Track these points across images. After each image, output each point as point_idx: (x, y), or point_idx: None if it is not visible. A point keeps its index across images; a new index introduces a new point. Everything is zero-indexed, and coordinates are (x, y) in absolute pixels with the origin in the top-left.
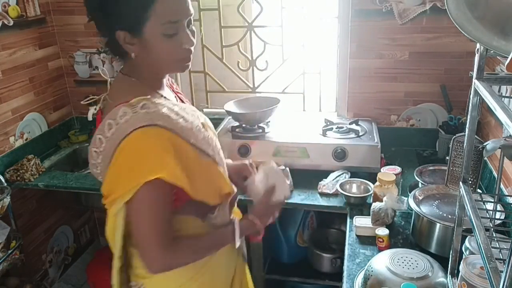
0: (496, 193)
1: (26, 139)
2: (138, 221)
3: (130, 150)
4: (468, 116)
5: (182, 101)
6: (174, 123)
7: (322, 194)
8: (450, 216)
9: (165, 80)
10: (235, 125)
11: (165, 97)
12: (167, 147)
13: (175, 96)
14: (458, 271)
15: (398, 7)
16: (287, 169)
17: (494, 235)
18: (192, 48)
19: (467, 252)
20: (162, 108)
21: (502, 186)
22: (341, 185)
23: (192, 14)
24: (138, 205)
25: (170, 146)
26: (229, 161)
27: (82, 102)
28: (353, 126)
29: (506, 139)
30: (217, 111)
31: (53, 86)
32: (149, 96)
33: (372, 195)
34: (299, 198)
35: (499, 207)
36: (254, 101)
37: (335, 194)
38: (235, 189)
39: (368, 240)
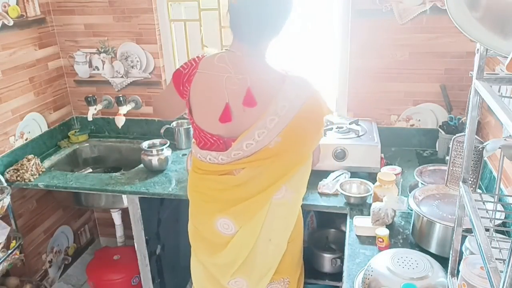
0: (496, 193)
1: (26, 139)
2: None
3: (318, 104)
4: (468, 116)
5: None
6: None
7: (322, 194)
8: (450, 216)
9: None
10: None
11: None
12: None
13: None
14: (458, 271)
15: (398, 7)
16: None
17: (494, 235)
18: None
19: (467, 252)
20: None
21: (502, 186)
22: (341, 185)
23: None
24: None
25: None
26: None
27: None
28: (353, 126)
29: (506, 139)
30: None
31: (53, 86)
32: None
33: (372, 195)
34: None
35: (499, 207)
36: None
37: (335, 194)
38: None
39: (368, 240)
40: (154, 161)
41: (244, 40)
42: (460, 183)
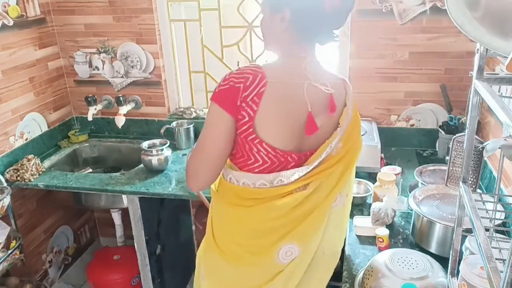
0: (496, 193)
1: (26, 139)
2: None
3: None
4: (468, 116)
5: None
6: None
7: None
8: (450, 216)
9: None
10: None
11: None
12: None
13: None
14: (458, 271)
15: (398, 7)
16: None
17: (494, 235)
18: None
19: (467, 252)
20: None
21: (502, 186)
22: None
23: None
24: None
25: None
26: None
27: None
28: None
29: (506, 139)
30: None
31: (53, 86)
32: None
33: (372, 195)
34: None
35: (499, 207)
36: None
37: None
38: None
39: (368, 240)
40: (154, 161)
41: (312, 42)
42: (460, 183)
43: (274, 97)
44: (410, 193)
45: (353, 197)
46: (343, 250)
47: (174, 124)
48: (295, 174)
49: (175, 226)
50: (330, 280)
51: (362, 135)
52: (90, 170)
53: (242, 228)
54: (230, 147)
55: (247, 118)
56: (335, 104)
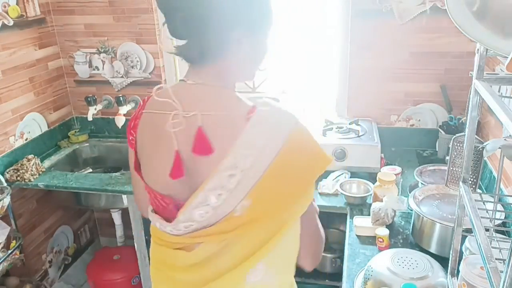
0: (496, 193)
1: (26, 139)
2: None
3: (304, 141)
4: (468, 116)
5: None
6: None
7: (322, 194)
8: (450, 216)
9: None
10: None
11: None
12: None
13: None
14: (458, 271)
15: (398, 7)
16: None
17: (494, 235)
18: None
19: (467, 252)
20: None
21: (502, 186)
22: (341, 185)
23: None
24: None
25: None
26: None
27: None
28: (353, 126)
29: (506, 139)
30: None
31: (53, 86)
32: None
33: (372, 195)
34: None
35: (499, 207)
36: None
37: (335, 194)
38: None
39: (368, 240)
40: None
41: (188, 60)
42: (460, 183)
43: (145, 129)
44: (410, 193)
45: (353, 197)
46: (343, 250)
47: None
48: (167, 227)
49: None
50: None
51: (362, 135)
52: (90, 170)
53: (157, 268)
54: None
55: (133, 152)
56: (206, 143)
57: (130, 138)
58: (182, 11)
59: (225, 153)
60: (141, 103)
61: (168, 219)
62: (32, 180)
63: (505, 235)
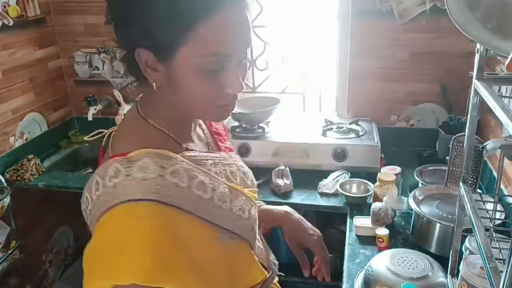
0: (496, 193)
1: (26, 139)
2: None
3: (108, 233)
4: (468, 116)
5: (219, 147)
6: (183, 195)
7: (322, 194)
8: (450, 216)
9: (194, 124)
10: (235, 125)
11: (188, 149)
12: (161, 237)
13: (211, 135)
14: (458, 271)
15: (398, 7)
16: (287, 169)
17: (494, 235)
18: (238, 94)
19: (467, 252)
20: (170, 172)
21: (502, 186)
22: (341, 185)
23: (250, 46)
24: None
25: (166, 234)
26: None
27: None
28: (353, 126)
29: (506, 139)
30: None
31: (53, 86)
32: (159, 150)
33: (372, 195)
34: (299, 198)
35: (499, 207)
36: (254, 101)
37: (335, 194)
38: (269, 272)
39: (368, 240)
40: None
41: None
42: (460, 183)
43: None
44: (410, 193)
45: (353, 197)
46: (343, 250)
47: None
48: None
49: None
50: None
51: (362, 135)
52: (90, 170)
53: None
54: None
55: None
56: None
57: None
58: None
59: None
60: None
61: None
62: (32, 180)
63: (505, 235)
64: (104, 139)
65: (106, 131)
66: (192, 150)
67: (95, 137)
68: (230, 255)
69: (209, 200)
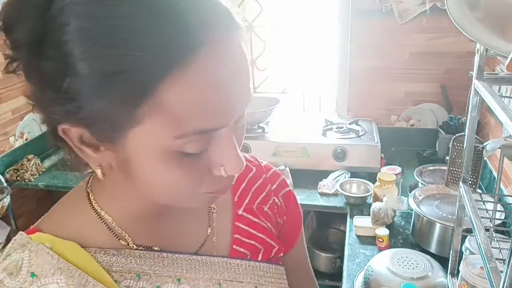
0: (496, 193)
1: (26, 139)
2: None
3: None
4: (468, 116)
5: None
6: None
7: (322, 194)
8: (450, 216)
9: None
10: None
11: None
12: None
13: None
14: (458, 271)
15: (398, 7)
16: (287, 169)
17: (494, 235)
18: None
19: (467, 252)
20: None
21: (502, 186)
22: (341, 185)
23: (250, 100)
24: None
25: None
26: None
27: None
28: (353, 126)
29: (506, 139)
30: None
31: None
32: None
33: (372, 195)
34: (299, 198)
35: (499, 207)
36: (254, 101)
37: (335, 194)
38: None
39: (368, 240)
40: None
41: None
42: (460, 183)
43: None
44: (410, 193)
45: (353, 197)
46: (343, 250)
47: None
48: None
49: None
50: (330, 280)
51: (362, 135)
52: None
53: None
54: None
55: None
56: None
57: None
58: None
59: None
60: None
61: None
62: (32, 180)
63: (505, 235)
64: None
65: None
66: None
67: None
68: None
69: None
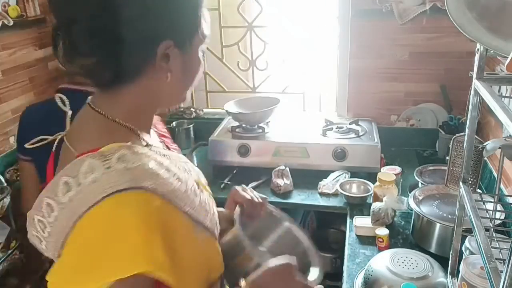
0: (496, 193)
1: None
2: None
3: (99, 229)
4: (468, 116)
5: (168, 148)
6: (165, 183)
7: (322, 194)
8: (450, 216)
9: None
10: (235, 125)
11: (149, 145)
12: (155, 222)
13: (161, 141)
14: (458, 271)
15: (398, 7)
16: (287, 169)
17: (494, 235)
18: None
19: (467, 252)
20: (148, 161)
21: (502, 186)
22: (341, 185)
23: None
24: None
25: (158, 221)
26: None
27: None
28: (353, 126)
29: (506, 139)
30: (217, 111)
31: (53, 86)
32: (128, 143)
33: (372, 195)
34: (299, 198)
35: (499, 207)
36: (254, 101)
37: (335, 194)
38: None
39: (368, 240)
40: None
41: (98, 83)
42: (460, 183)
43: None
44: (410, 193)
45: (353, 197)
46: (343, 250)
47: (174, 124)
48: None
49: None
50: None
51: (362, 135)
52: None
53: None
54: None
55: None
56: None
57: None
58: (80, 23)
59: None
60: None
61: None
62: None
63: (505, 235)
64: (55, 145)
65: (50, 137)
66: (154, 146)
67: (38, 144)
68: (204, 248)
69: (184, 192)
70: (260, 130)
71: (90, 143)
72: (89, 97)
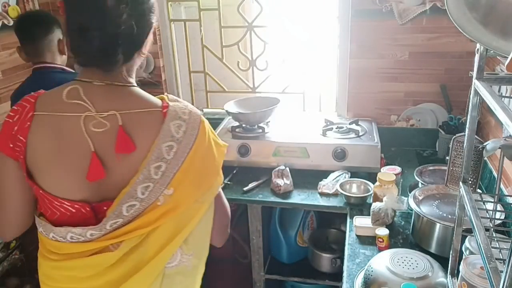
0: (496, 193)
1: None
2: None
3: (210, 138)
4: (468, 116)
5: None
6: None
7: (322, 194)
8: (450, 216)
9: None
10: (235, 125)
11: None
12: None
13: None
14: (458, 271)
15: (398, 7)
16: (287, 169)
17: (494, 235)
18: None
19: (467, 252)
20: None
21: (502, 186)
22: (341, 185)
23: None
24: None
25: None
26: None
27: None
28: (353, 126)
29: (506, 139)
30: (217, 111)
31: None
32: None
33: (372, 195)
34: (299, 198)
35: (499, 207)
36: (254, 101)
37: (335, 194)
38: None
39: (368, 240)
40: None
41: (94, 63)
42: (460, 183)
43: (42, 134)
44: (410, 193)
45: (353, 197)
46: (343, 250)
47: None
48: (89, 232)
49: None
50: (330, 280)
51: (362, 135)
52: None
53: (54, 285)
54: (24, 194)
55: (19, 160)
56: (128, 141)
57: (12, 145)
58: (95, 30)
59: (147, 148)
60: (25, 104)
61: (84, 224)
62: None
63: (505, 235)
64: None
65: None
66: None
67: None
68: None
69: None
70: (260, 130)
71: (155, 100)
72: (93, 82)
